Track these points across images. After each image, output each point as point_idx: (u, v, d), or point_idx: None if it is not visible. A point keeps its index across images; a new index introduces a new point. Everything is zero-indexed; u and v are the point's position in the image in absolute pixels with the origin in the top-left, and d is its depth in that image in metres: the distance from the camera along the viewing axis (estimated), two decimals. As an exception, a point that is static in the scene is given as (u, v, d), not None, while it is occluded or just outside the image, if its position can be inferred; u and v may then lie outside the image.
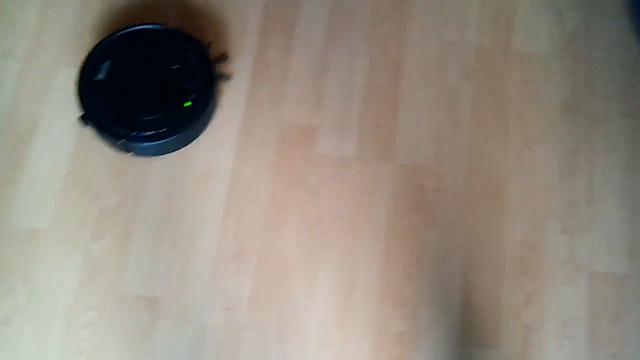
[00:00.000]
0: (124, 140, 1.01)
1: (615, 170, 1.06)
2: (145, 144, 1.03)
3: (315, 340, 0.98)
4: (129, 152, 1.05)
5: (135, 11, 1.15)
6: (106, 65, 1.04)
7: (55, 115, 1.08)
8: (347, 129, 1.09)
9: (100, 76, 1.04)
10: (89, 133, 1.06)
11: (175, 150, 1.07)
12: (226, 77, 1.09)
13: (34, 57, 1.12)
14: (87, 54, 1.05)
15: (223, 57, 1.11)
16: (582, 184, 1.06)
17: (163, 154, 1.07)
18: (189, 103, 1.03)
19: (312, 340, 0.98)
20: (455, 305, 1.00)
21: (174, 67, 1.05)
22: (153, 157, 1.06)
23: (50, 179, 1.05)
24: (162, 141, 1.03)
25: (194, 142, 1.07)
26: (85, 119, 1.02)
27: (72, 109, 1.05)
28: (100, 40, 1.07)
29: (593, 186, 1.06)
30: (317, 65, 1.13)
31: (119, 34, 1.07)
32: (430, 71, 1.13)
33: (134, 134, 1.01)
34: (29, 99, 1.10)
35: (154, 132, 1.02)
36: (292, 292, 1.00)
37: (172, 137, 1.03)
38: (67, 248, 1.01)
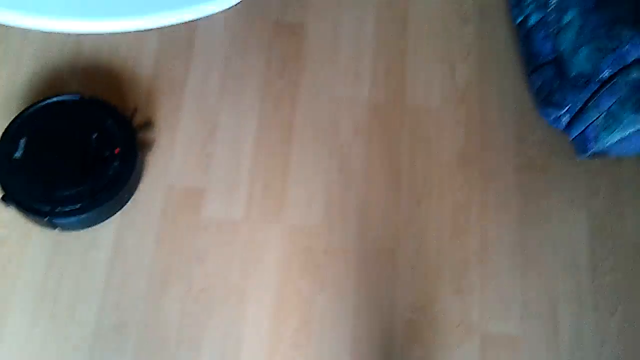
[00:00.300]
0: (47, 217, 0.97)
1: (507, 226, 1.05)
2: (70, 219, 0.98)
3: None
4: (56, 227, 1.00)
5: (55, 83, 1.12)
6: (23, 142, 1.00)
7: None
8: (235, 190, 1.06)
9: (18, 154, 1.00)
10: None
11: (104, 220, 1.03)
12: (149, 144, 1.06)
13: None
14: (3, 132, 1.02)
15: (146, 125, 1.08)
16: (474, 241, 1.04)
17: (91, 226, 1.02)
18: (111, 172, 1.00)
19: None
20: (344, 374, 0.96)
21: (93, 136, 1.01)
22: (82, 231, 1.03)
23: None
24: (87, 214, 0.98)
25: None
26: (5, 199, 0.98)
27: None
28: (14, 117, 1.03)
29: (485, 243, 1.04)
30: (206, 125, 1.10)
31: (33, 108, 1.04)
32: (323, 128, 1.11)
33: (57, 209, 0.97)
34: None
35: (78, 205, 0.98)
36: (173, 366, 0.95)
37: (97, 209, 0.99)
38: None
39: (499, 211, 1.05)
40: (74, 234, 1.02)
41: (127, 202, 1.04)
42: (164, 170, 1.07)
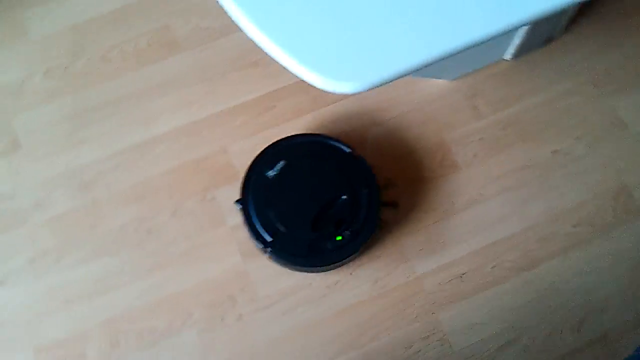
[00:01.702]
0: (264, 245, 0.97)
1: None
2: (281, 256, 0.98)
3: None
4: (267, 254, 1.00)
5: (336, 122, 1.12)
6: (280, 164, 0.99)
7: None
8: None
9: (271, 172, 0.99)
10: None
11: (303, 272, 1.02)
12: (383, 224, 1.03)
13: None
14: (271, 143, 1.02)
15: (393, 205, 1.05)
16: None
17: (296, 271, 1.03)
18: (340, 238, 0.97)
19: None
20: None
21: (342, 197, 0.98)
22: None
23: None
24: (298, 260, 0.98)
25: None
26: (240, 203, 1.00)
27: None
28: (281, 138, 1.03)
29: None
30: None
31: (306, 138, 1.03)
32: None
33: (276, 242, 0.97)
34: None
35: (292, 248, 0.97)
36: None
37: (308, 262, 0.98)
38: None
39: None
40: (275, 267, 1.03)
41: (333, 269, 1.02)
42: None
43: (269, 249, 0.97)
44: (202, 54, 1.18)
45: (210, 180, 1.09)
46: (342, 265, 1.02)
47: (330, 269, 1.02)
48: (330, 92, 0.65)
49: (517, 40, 1.09)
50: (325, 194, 0.98)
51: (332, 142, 1.02)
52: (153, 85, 1.16)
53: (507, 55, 1.15)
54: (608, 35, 1.18)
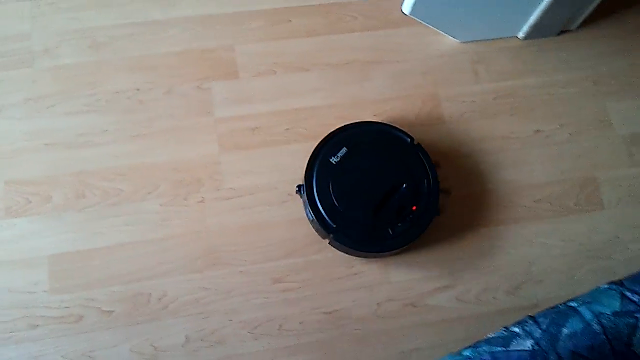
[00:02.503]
0: (331, 234, 0.99)
1: None
2: (343, 241, 0.99)
3: None
4: (327, 239, 1.02)
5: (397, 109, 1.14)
6: (343, 151, 1.01)
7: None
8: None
9: (333, 159, 1.01)
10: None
11: (364, 257, 1.04)
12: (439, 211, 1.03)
13: None
14: (337, 129, 1.03)
15: (447, 192, 1.09)
16: None
17: (355, 256, 1.04)
18: (400, 225, 0.99)
19: None
20: None
21: (404, 186, 1.00)
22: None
23: None
24: (358, 245, 0.99)
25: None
26: (300, 190, 1.02)
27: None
28: (346, 124, 1.04)
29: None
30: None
31: (368, 127, 1.04)
32: None
33: (340, 229, 0.98)
34: None
35: (356, 234, 0.98)
36: None
37: (367, 246, 0.99)
38: None
39: None
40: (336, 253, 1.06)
41: (391, 255, 1.05)
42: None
43: (331, 235, 0.99)
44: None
45: (210, 71, 1.14)
46: (400, 251, 1.04)
47: (387, 255, 1.05)
48: None
49: (532, 19, 1.12)
50: (387, 182, 1.00)
51: (393, 131, 1.04)
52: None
53: (520, 34, 1.18)
54: (620, 41, 1.21)
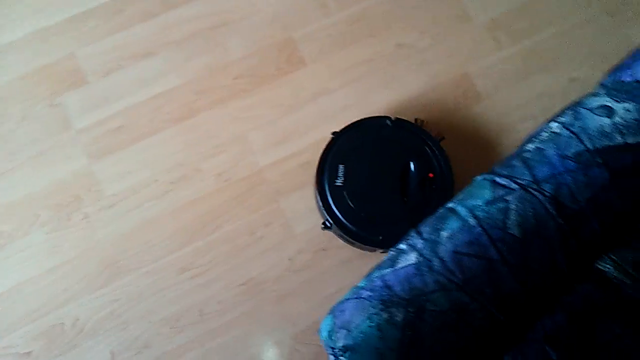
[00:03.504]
0: (382, 249, 0.96)
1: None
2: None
3: None
4: (382, 247, 0.97)
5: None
6: (341, 169, 0.96)
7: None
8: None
9: (338, 182, 0.96)
10: None
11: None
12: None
13: None
14: (320, 160, 0.98)
15: (442, 138, 1.02)
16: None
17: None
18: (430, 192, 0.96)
19: None
20: None
21: (410, 162, 0.97)
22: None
23: None
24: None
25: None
26: (328, 225, 0.97)
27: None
28: (325, 146, 0.98)
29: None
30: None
31: (348, 133, 0.99)
32: None
33: (388, 239, 0.93)
34: None
35: (401, 230, 0.86)
36: None
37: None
38: None
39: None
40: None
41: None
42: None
43: (383, 245, 0.95)
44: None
45: (57, 85, 1.09)
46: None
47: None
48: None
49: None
50: (395, 168, 0.96)
51: (367, 122, 1.00)
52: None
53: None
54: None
